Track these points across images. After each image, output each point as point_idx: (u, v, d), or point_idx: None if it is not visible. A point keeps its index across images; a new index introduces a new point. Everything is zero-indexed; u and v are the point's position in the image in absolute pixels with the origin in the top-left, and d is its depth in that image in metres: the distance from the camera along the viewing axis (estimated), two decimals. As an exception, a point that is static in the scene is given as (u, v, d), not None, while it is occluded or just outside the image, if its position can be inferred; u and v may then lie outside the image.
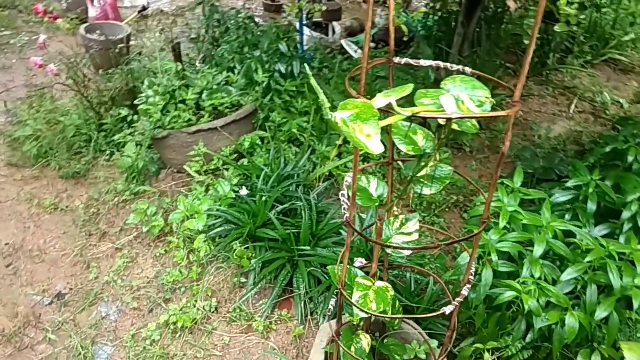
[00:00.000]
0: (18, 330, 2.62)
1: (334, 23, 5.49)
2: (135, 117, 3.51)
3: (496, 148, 3.87)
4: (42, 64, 3.64)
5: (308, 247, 2.50)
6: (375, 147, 0.99)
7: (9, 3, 6.41)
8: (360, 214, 2.72)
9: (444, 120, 1.26)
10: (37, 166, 3.80)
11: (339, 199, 3.14)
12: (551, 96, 4.70)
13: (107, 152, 3.78)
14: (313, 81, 0.99)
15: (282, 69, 3.58)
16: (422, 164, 1.51)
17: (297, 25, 4.70)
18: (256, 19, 5.15)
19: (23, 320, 2.68)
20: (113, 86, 4.01)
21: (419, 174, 1.53)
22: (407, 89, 1.14)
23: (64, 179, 3.68)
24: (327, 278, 2.41)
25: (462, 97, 1.17)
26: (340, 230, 2.64)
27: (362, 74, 1.25)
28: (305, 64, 1.42)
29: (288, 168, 3.01)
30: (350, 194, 1.50)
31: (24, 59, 5.27)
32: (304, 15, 5.06)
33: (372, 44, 5.14)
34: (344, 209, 1.53)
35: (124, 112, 3.51)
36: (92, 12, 5.45)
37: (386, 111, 1.16)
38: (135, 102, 3.46)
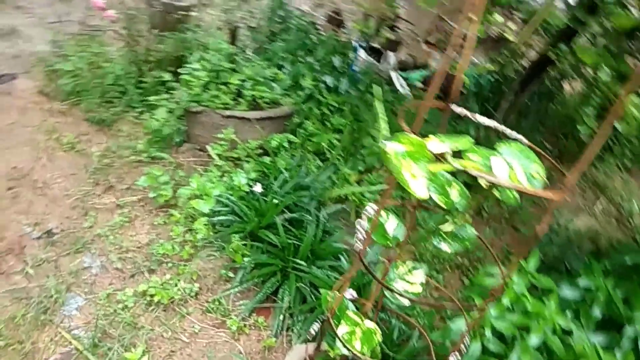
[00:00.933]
0: (1, 256, 2.59)
1: (390, 53, 5.50)
2: (175, 84, 3.52)
3: (512, 221, 3.81)
4: (103, 7, 3.67)
5: (304, 263, 2.45)
6: (420, 189, 0.95)
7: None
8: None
9: (488, 183, 1.22)
10: (67, 102, 3.81)
11: (347, 223, 3.10)
12: (580, 188, 4.64)
13: (138, 110, 3.79)
14: (379, 105, 0.96)
15: (329, 82, 3.57)
16: (449, 219, 1.47)
17: (355, 44, 4.72)
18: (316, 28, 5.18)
19: (7, 246, 2.65)
20: (163, 49, 4.04)
21: (442, 228, 1.49)
22: (465, 141, 1.11)
23: (89, 123, 3.69)
24: (314, 299, 2.36)
25: (514, 166, 1.13)
26: (340, 256, 2.59)
27: (420, 111, 1.22)
28: (377, 86, 1.40)
29: (307, 179, 2.98)
30: (368, 226, 1.47)
31: (86, -3, 5.33)
32: (363, 37, 5.08)
33: (421, 85, 5.13)
34: (358, 238, 1.49)
35: (167, 76, 3.51)
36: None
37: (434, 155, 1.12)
38: (180, 70, 3.46)
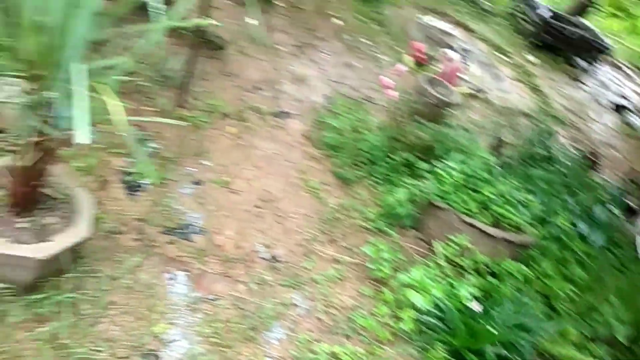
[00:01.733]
0: (234, 260, 2.93)
1: (645, 217, 4.89)
2: (422, 172, 3.66)
3: None
4: (390, 87, 4.06)
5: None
6: None
7: (378, 21, 7.28)
8: None
9: None
10: (323, 152, 4.25)
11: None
12: None
13: (379, 181, 4.02)
14: None
15: (581, 228, 3.31)
16: None
17: (611, 194, 4.33)
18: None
19: (241, 255, 2.99)
20: (419, 136, 4.27)
21: None
22: None
23: (334, 176, 4.03)
24: None
25: None
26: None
27: None
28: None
29: (529, 320, 2.75)
30: None
31: (368, 68, 5.97)
32: (620, 191, 4.64)
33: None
34: None
35: (423, 165, 3.66)
36: (440, 68, 5.91)
37: None
38: (434, 162, 3.60)
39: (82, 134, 1.40)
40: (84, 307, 2.23)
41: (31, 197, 2.02)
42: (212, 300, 2.63)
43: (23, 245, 1.95)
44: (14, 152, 1.89)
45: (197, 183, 3.35)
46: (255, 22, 5.46)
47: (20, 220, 2.05)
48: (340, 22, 6.62)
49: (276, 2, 6.02)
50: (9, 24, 1.57)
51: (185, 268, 2.73)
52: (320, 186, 3.86)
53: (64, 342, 2.08)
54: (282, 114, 4.57)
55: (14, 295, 2.08)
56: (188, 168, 3.41)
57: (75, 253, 2.20)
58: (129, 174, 3.07)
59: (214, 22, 2.81)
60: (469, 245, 3.03)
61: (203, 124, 3.82)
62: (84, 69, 1.49)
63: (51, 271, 2.10)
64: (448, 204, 3.23)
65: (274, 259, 3.09)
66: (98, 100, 1.56)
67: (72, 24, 1.45)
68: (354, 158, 4.19)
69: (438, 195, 3.29)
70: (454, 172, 3.32)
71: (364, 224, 3.59)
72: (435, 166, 3.48)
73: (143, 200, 2.99)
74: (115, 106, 1.46)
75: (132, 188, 3.02)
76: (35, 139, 1.72)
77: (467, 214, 3.17)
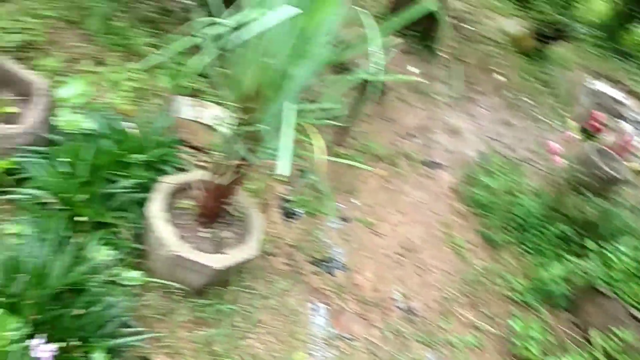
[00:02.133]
0: (371, 303, 2.94)
1: None
2: (586, 251, 3.35)
3: None
4: (557, 152, 3.83)
5: None
6: None
7: (544, 81, 6.90)
8: None
9: None
10: (470, 209, 4.11)
11: None
12: None
13: (529, 250, 3.76)
14: None
15: None
16: None
17: None
18: None
19: (378, 299, 2.98)
20: (583, 210, 3.93)
21: None
22: None
23: (480, 237, 3.86)
24: None
25: None
26: None
27: None
28: None
29: None
30: None
31: (528, 129, 5.70)
32: None
33: None
34: None
35: (589, 243, 3.34)
36: (610, 138, 5.41)
37: None
38: (601, 243, 3.28)
39: (284, 166, 1.53)
40: (237, 320, 2.39)
41: (216, 212, 2.25)
42: (348, 339, 2.65)
43: (202, 253, 2.16)
44: (212, 170, 2.13)
45: (345, 220, 3.44)
46: (417, 71, 5.56)
47: (203, 230, 2.29)
48: (502, 79, 6.46)
49: (440, 53, 6.08)
50: (239, 61, 1.79)
51: (326, 301, 2.80)
52: (464, 244, 3.73)
53: (216, 348, 2.25)
54: (433, 164, 4.54)
55: (184, 297, 2.30)
56: (338, 204, 3.53)
57: (240, 268, 2.39)
58: (288, 201, 3.26)
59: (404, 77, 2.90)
60: (635, 344, 2.67)
61: (357, 163, 3.94)
62: (294, 109, 1.63)
63: (219, 281, 2.30)
64: (614, 292, 2.90)
65: (410, 310, 3.03)
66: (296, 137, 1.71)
67: (294, 70, 1.62)
68: (504, 221, 3.99)
69: (603, 280, 2.97)
70: (624, 258, 2.99)
71: (509, 293, 3.38)
72: (603, 247, 3.16)
73: (296, 227, 3.15)
74: (319, 146, 1.58)
75: (289, 215, 3.20)
76: (237, 162, 1.92)
77: (637, 308, 2.81)
